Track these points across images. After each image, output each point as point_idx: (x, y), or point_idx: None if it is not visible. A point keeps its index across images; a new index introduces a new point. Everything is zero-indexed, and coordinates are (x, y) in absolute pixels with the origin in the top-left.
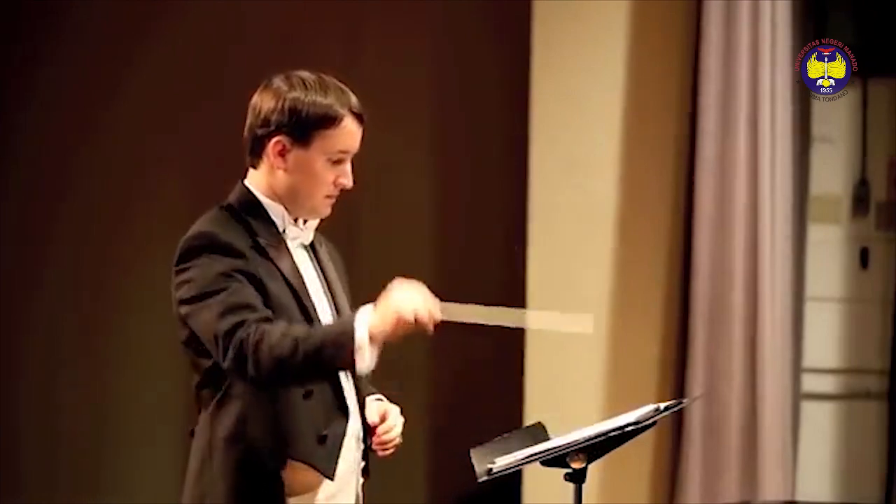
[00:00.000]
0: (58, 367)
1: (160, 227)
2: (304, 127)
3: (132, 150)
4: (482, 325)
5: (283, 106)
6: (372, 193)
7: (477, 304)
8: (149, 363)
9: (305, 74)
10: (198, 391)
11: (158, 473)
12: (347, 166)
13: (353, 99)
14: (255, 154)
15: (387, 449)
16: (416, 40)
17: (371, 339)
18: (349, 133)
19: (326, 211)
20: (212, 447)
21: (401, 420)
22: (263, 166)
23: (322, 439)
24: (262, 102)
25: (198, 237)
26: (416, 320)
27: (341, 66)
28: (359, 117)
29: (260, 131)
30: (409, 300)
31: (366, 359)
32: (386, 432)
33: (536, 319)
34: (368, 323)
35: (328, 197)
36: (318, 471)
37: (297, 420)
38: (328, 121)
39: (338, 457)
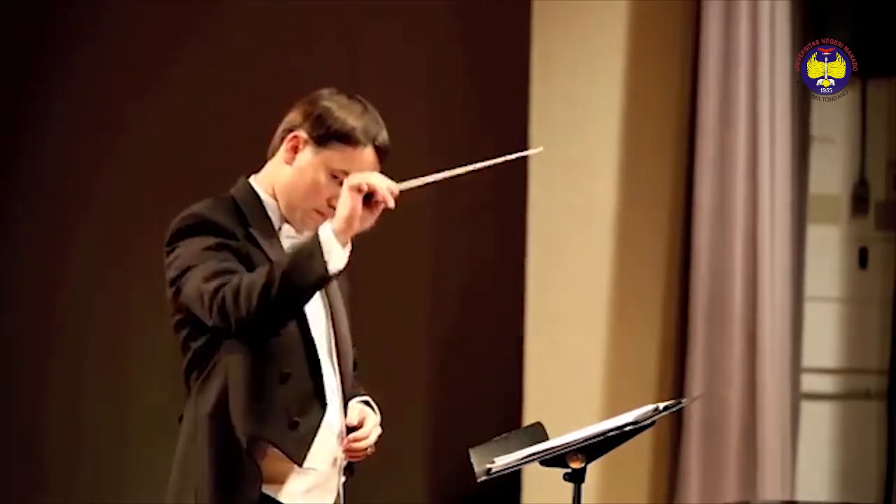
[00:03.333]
0: (82, 367)
1: None
2: (325, 132)
3: (158, 149)
4: (438, 182)
5: (314, 108)
6: None
7: (475, 317)
8: (172, 364)
9: (352, 95)
10: (187, 375)
11: None
12: None
13: (384, 134)
14: (274, 147)
15: (356, 456)
16: (416, 40)
17: (337, 235)
18: (364, 161)
19: (310, 227)
20: (196, 425)
21: (377, 430)
22: (275, 159)
23: (294, 425)
24: (300, 106)
25: (187, 217)
26: (372, 191)
27: (340, 64)
28: (380, 153)
29: (286, 125)
30: (361, 177)
31: (336, 258)
32: (356, 440)
33: (487, 162)
34: (331, 225)
35: (317, 212)
36: (288, 455)
37: (271, 403)
38: (351, 138)
39: (309, 445)
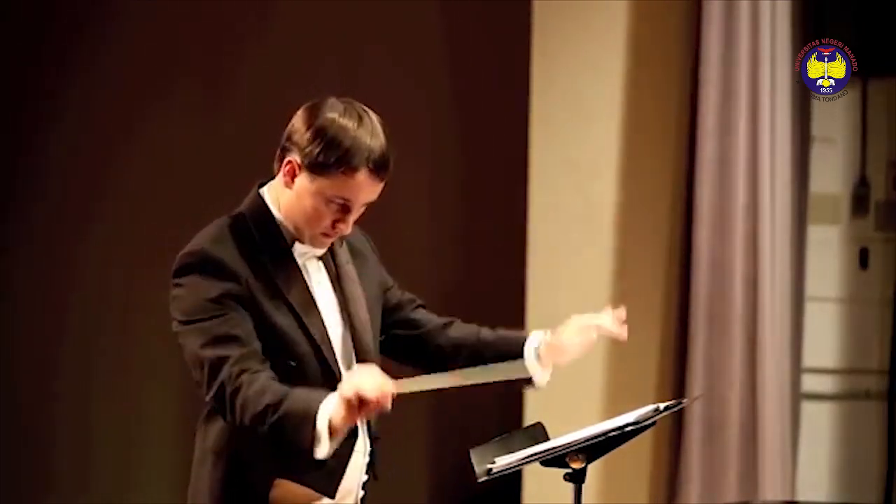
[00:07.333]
0: (90, 369)
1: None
2: (315, 160)
3: (167, 154)
4: (439, 390)
5: (309, 128)
6: None
7: (475, 318)
8: (179, 366)
9: (352, 106)
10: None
11: (188, 475)
12: (351, 215)
13: (378, 151)
14: (278, 161)
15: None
16: (416, 41)
17: (331, 426)
18: (358, 186)
19: (321, 246)
20: (203, 457)
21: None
22: (278, 178)
23: (320, 463)
24: (300, 116)
25: (192, 254)
26: (370, 399)
27: (340, 65)
28: (376, 173)
29: (285, 143)
30: (361, 381)
31: (323, 448)
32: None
33: (482, 374)
34: (330, 411)
35: (324, 234)
36: (317, 491)
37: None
38: (341, 166)
39: (341, 476)
